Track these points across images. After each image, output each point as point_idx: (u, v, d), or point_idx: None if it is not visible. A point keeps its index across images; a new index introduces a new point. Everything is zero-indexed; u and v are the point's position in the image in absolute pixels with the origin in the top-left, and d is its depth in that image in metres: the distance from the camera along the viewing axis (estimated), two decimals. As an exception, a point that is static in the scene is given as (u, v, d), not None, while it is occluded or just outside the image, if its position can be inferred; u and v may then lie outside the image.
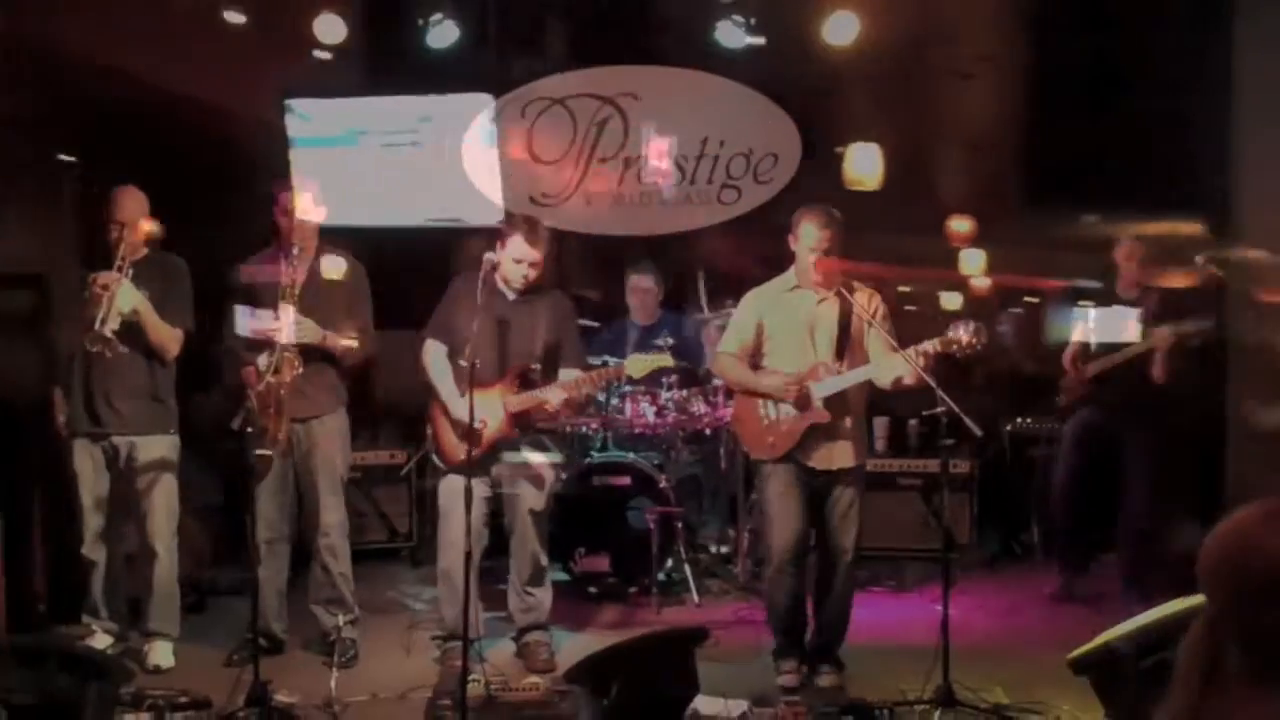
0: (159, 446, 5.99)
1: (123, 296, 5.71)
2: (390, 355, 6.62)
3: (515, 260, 5.86)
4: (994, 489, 7.89)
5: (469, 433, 5.29)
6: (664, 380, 7.19)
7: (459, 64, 7.88)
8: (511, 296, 5.93)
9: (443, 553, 5.94)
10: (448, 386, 5.90)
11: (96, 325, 5.60)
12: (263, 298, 5.94)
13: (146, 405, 5.96)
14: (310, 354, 5.89)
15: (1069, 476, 6.96)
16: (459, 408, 5.72)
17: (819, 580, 5.76)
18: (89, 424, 5.92)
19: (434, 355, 5.99)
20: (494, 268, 5.78)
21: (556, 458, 6.12)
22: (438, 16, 7.53)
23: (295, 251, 5.91)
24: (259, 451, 5.61)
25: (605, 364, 6.36)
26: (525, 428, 5.93)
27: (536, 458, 5.98)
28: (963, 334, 5.25)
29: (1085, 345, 6.90)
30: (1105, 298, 6.87)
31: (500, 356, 5.85)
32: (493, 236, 6.04)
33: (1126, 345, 6.67)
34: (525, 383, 5.88)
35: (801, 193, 7.17)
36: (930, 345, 5.32)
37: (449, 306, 6.00)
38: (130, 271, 5.77)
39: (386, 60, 7.93)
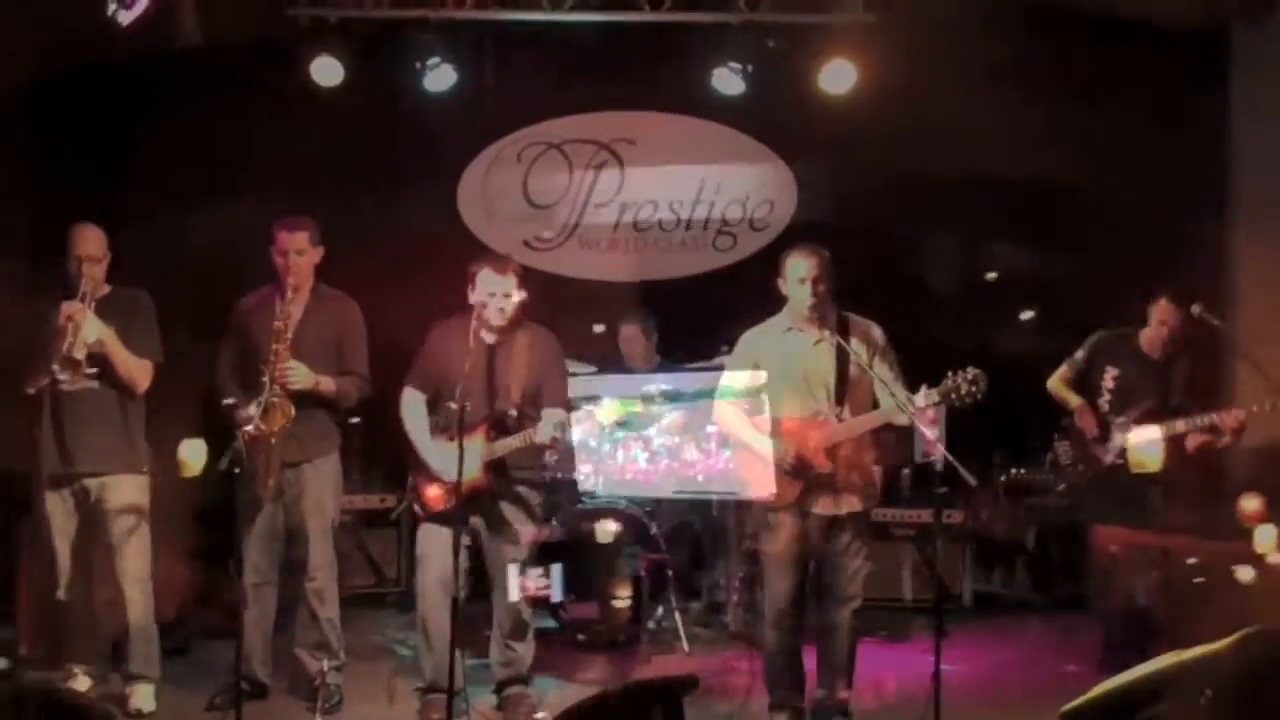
0: (129, 486, 5.90)
1: (88, 326, 5.67)
2: (380, 400, 6.54)
3: (490, 294, 5.72)
4: (989, 540, 7.84)
5: (457, 480, 5.24)
6: (657, 427, 7.15)
7: (456, 108, 7.87)
8: (491, 340, 5.79)
9: (420, 600, 5.86)
10: (423, 437, 5.81)
11: (65, 350, 5.56)
12: (257, 337, 5.91)
13: (116, 445, 5.87)
14: (303, 398, 5.84)
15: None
16: (434, 458, 5.70)
17: (822, 629, 5.64)
18: (58, 465, 5.81)
19: (411, 405, 5.87)
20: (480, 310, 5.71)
21: (535, 507, 5.94)
22: (435, 60, 7.51)
23: (290, 292, 5.89)
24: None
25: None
26: (502, 476, 5.78)
27: (516, 509, 5.85)
28: (961, 382, 5.20)
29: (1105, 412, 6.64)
30: (1126, 350, 6.66)
31: (476, 404, 5.65)
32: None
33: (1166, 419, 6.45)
34: (501, 429, 5.73)
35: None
36: (929, 398, 5.25)
37: (428, 355, 5.90)
38: (93, 304, 5.72)
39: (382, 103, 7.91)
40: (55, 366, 5.56)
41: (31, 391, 5.64)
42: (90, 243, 5.86)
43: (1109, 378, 6.61)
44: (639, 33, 7.73)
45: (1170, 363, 6.59)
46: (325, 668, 5.90)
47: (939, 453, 5.12)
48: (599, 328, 8.32)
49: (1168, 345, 6.57)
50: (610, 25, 7.58)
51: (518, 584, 5.74)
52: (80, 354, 5.62)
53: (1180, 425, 6.37)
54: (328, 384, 5.92)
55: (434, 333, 5.96)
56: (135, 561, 5.92)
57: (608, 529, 6.92)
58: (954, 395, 5.21)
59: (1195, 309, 6.36)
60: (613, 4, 7.43)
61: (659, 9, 7.44)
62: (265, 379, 5.73)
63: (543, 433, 5.64)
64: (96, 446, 5.83)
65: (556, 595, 5.66)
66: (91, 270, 5.81)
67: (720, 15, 7.41)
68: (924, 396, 5.26)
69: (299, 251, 5.96)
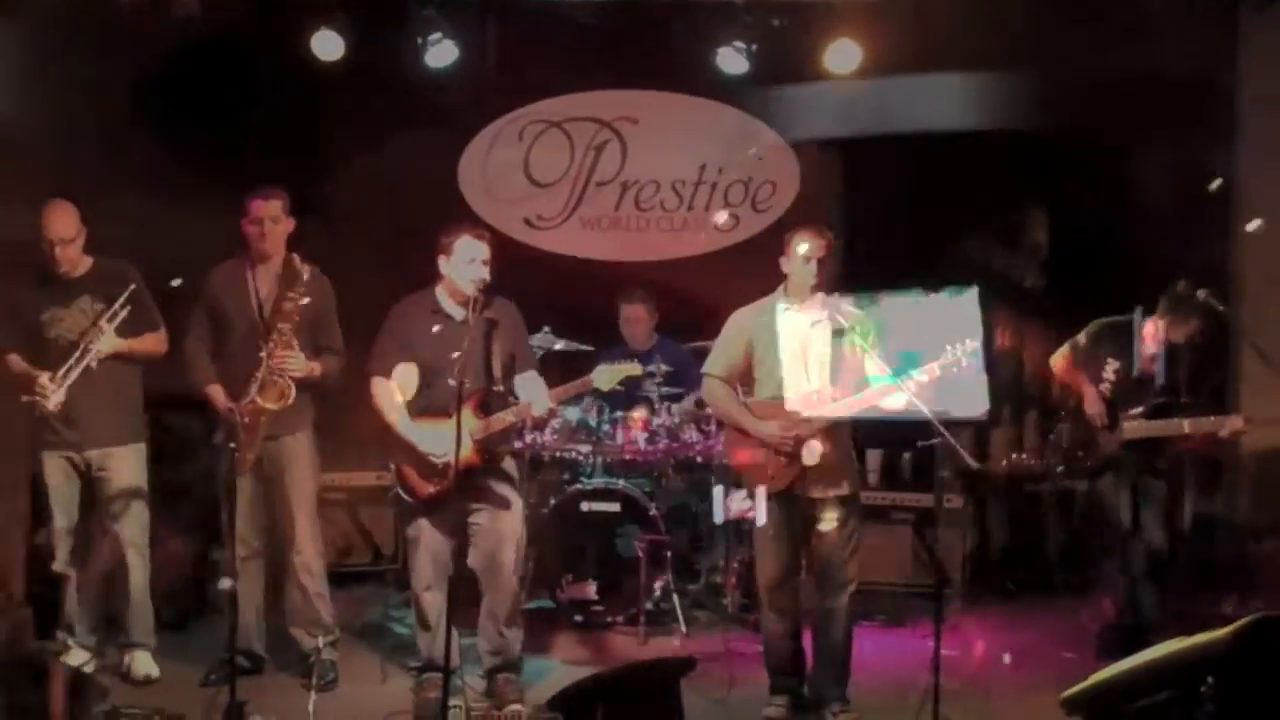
0: (129, 456, 5.95)
1: (104, 342, 5.75)
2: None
3: (469, 261, 5.64)
4: (989, 524, 7.81)
5: (455, 461, 5.20)
6: (656, 406, 7.12)
7: (457, 84, 7.82)
8: (459, 317, 5.69)
9: (413, 580, 5.82)
10: (405, 422, 5.71)
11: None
12: (228, 310, 5.91)
13: (116, 416, 5.90)
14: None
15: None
16: (423, 440, 5.61)
17: (820, 614, 5.60)
18: (60, 438, 5.84)
19: (384, 392, 5.76)
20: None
21: (518, 480, 5.89)
22: (436, 36, 7.47)
23: (261, 262, 5.91)
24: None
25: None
26: (492, 455, 5.72)
27: (505, 484, 5.77)
28: (961, 356, 5.16)
29: (1111, 405, 6.54)
30: (1130, 341, 6.54)
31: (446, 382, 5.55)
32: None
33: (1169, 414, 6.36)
34: (486, 407, 5.66)
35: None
36: (929, 372, 5.22)
37: (393, 337, 5.80)
38: (109, 316, 5.76)
39: (383, 79, 7.85)
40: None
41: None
42: (62, 223, 5.80)
43: (1109, 369, 6.55)
44: (643, 10, 7.73)
45: (1173, 355, 6.49)
46: (320, 644, 5.86)
47: (937, 431, 5.09)
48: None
49: (1170, 340, 6.47)
50: (614, 2, 7.55)
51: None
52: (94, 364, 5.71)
53: (1186, 426, 6.31)
54: (316, 369, 5.89)
55: (394, 314, 5.86)
56: (135, 529, 5.98)
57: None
58: (956, 369, 5.18)
59: (1201, 294, 6.30)
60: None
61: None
62: (264, 355, 5.69)
63: (539, 407, 5.62)
64: (97, 417, 5.84)
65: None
66: (66, 252, 5.80)
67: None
68: (924, 371, 5.22)
69: (273, 219, 5.91)
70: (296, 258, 5.88)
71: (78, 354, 5.70)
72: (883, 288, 5.39)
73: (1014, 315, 8.23)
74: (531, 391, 5.71)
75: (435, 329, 5.62)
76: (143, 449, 6.02)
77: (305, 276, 5.75)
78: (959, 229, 8.10)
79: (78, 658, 5.88)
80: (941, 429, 5.08)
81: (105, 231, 5.98)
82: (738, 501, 5.75)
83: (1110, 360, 6.54)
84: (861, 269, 6.94)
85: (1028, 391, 8.10)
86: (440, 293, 5.76)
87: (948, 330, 5.13)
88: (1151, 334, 6.45)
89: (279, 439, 5.90)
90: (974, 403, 5.49)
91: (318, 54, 7.47)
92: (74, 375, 5.68)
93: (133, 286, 5.82)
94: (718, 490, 5.63)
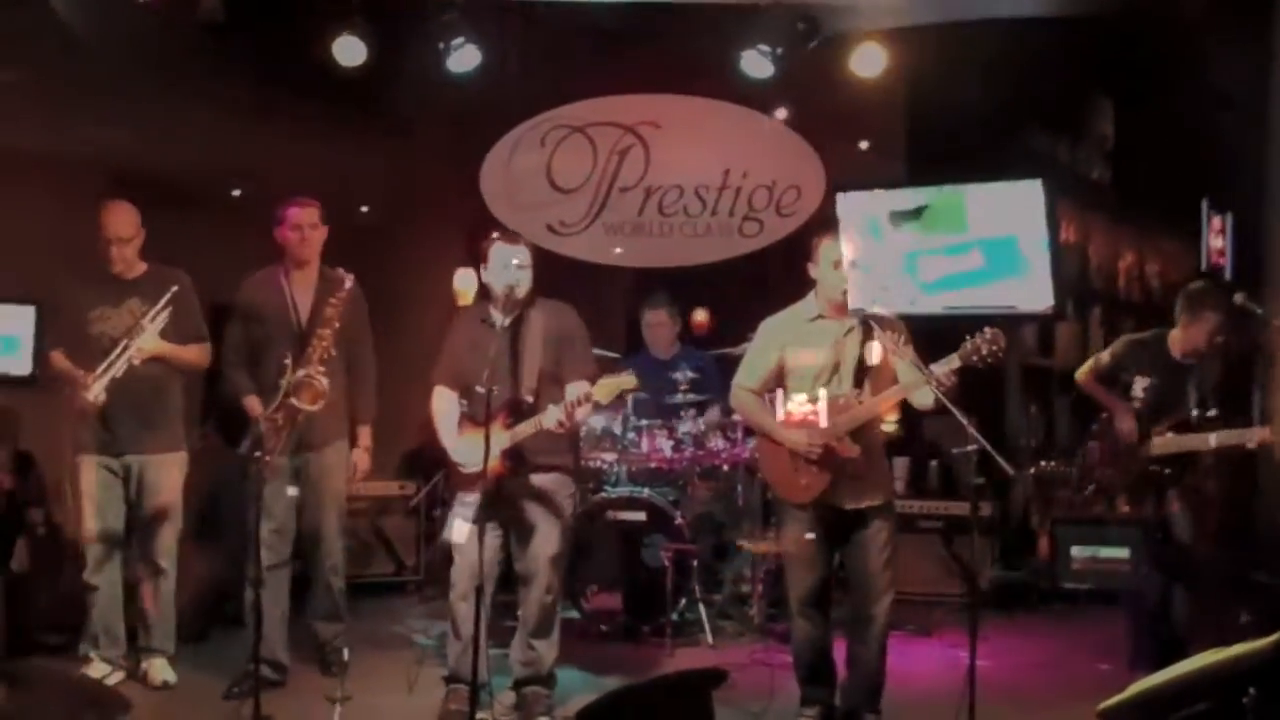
0: (169, 465, 5.98)
1: (145, 340, 5.74)
2: (398, 387, 6.46)
3: (504, 266, 5.57)
4: (1017, 533, 7.72)
5: (485, 469, 5.13)
6: (683, 413, 7.06)
7: (479, 89, 7.76)
8: (501, 323, 5.61)
9: (451, 590, 5.74)
10: (449, 433, 5.68)
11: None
12: (265, 319, 5.96)
13: (158, 423, 5.92)
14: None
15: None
16: (458, 452, 5.59)
17: (854, 624, 5.49)
18: (100, 443, 5.86)
19: (441, 400, 5.75)
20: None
21: (561, 499, 5.72)
22: (459, 40, 7.40)
23: (299, 268, 5.98)
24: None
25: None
26: (522, 465, 5.59)
27: (536, 502, 5.64)
28: (980, 343, 5.05)
29: (1144, 420, 6.37)
30: (1157, 357, 6.40)
31: (497, 392, 5.47)
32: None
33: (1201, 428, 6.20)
34: (519, 415, 5.53)
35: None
36: (949, 363, 5.11)
37: (449, 347, 5.78)
38: (152, 316, 5.76)
39: (405, 85, 7.80)
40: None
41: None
42: (122, 223, 5.89)
43: (1139, 387, 6.42)
44: (666, 14, 7.62)
45: (1203, 367, 6.36)
46: (336, 631, 6.09)
47: (972, 436, 4.97)
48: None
49: (1201, 351, 6.32)
50: (637, 6, 7.47)
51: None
52: (138, 360, 5.71)
53: (1212, 441, 6.20)
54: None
55: (453, 323, 5.86)
56: (169, 539, 6.01)
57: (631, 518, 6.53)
58: (975, 357, 5.05)
59: (1238, 298, 6.18)
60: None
61: (688, -9, 7.32)
62: (288, 361, 5.68)
63: (549, 417, 5.41)
64: (139, 424, 5.86)
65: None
66: (123, 252, 5.87)
67: (750, -3, 7.29)
68: (944, 363, 5.12)
69: (311, 226, 6.01)
70: (326, 267, 5.99)
71: (119, 349, 5.69)
72: (947, 180, 5.28)
73: (1080, 208, 8.05)
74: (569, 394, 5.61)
75: (478, 337, 5.54)
76: (184, 458, 6.05)
77: (347, 285, 5.82)
78: (1025, 120, 7.95)
79: (99, 670, 5.87)
80: (978, 435, 4.96)
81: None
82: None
83: (1139, 378, 6.43)
84: (926, 162, 6.83)
85: (1093, 285, 7.95)
86: (490, 303, 5.71)
87: (1012, 222, 4.98)
88: (1178, 341, 6.35)
89: (320, 450, 5.98)
90: (1040, 297, 5.37)
91: (340, 60, 7.41)
92: (116, 370, 5.66)
93: (175, 288, 5.82)
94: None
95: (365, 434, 6.15)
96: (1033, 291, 5.33)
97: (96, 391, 5.63)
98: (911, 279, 6.46)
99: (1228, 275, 6.17)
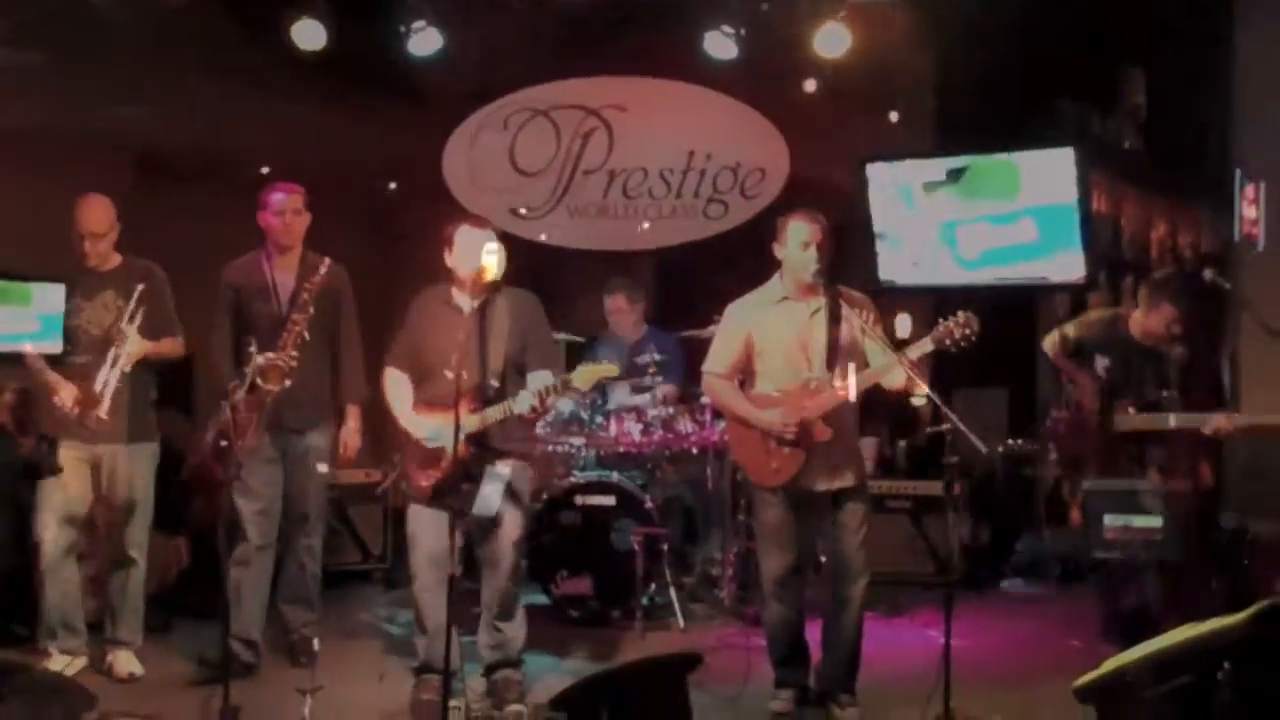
0: (142, 455, 5.93)
1: (131, 343, 5.73)
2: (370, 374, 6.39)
3: (468, 252, 5.50)
4: (986, 511, 7.72)
5: (454, 454, 5.08)
6: (651, 396, 7.02)
7: (440, 72, 7.70)
8: (467, 308, 5.55)
9: (412, 580, 5.69)
10: (406, 412, 5.61)
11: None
12: (250, 304, 5.95)
13: (131, 414, 5.85)
14: (313, 367, 5.89)
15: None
16: (417, 426, 5.53)
17: (832, 607, 5.47)
18: (73, 432, 5.79)
19: (393, 382, 5.69)
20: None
21: (522, 483, 5.68)
22: (420, 23, 7.33)
23: (281, 254, 5.97)
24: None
25: None
26: (484, 450, 5.52)
27: (498, 485, 5.56)
28: (953, 326, 5.05)
29: (1105, 395, 6.43)
30: (1114, 338, 6.44)
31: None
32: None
33: (1162, 408, 6.26)
34: (483, 401, 5.48)
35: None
36: (922, 346, 5.11)
37: (406, 329, 5.73)
38: (129, 318, 5.73)
39: (366, 68, 7.73)
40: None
41: None
42: (96, 217, 5.84)
43: (1100, 366, 6.45)
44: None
45: (1164, 352, 6.39)
46: (306, 620, 6.09)
47: (945, 415, 4.97)
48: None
49: (1160, 337, 6.35)
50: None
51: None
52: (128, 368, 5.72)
53: (1172, 421, 6.23)
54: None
55: (411, 305, 5.77)
56: (138, 529, 5.96)
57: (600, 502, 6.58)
58: (948, 340, 5.06)
59: (1207, 274, 6.20)
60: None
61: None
62: (281, 339, 5.71)
63: (521, 403, 5.36)
64: (114, 417, 5.77)
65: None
66: (97, 247, 5.84)
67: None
68: (917, 346, 5.12)
69: (295, 211, 6.00)
70: (309, 251, 6.02)
71: (110, 363, 5.69)
72: (978, 149, 5.18)
73: (1111, 178, 8.03)
74: (528, 388, 5.57)
75: (441, 320, 5.50)
76: (155, 449, 6.00)
77: (322, 270, 5.85)
78: (1057, 89, 7.92)
79: (59, 663, 5.81)
80: (949, 413, 4.95)
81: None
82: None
83: (1099, 357, 6.46)
84: (956, 131, 6.78)
85: (1124, 256, 7.93)
86: (453, 286, 5.64)
87: (1043, 190, 4.88)
88: (1138, 325, 6.37)
89: (304, 432, 6.00)
90: (1072, 268, 5.31)
91: (299, 44, 7.33)
92: (111, 383, 5.67)
93: (141, 287, 5.78)
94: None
95: (354, 414, 6.15)
96: (1065, 264, 5.29)
97: (105, 409, 5.64)
98: (950, 250, 6.47)
99: (1261, 244, 6.16)
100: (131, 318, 5.75)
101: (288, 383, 5.70)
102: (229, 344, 5.98)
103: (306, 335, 5.80)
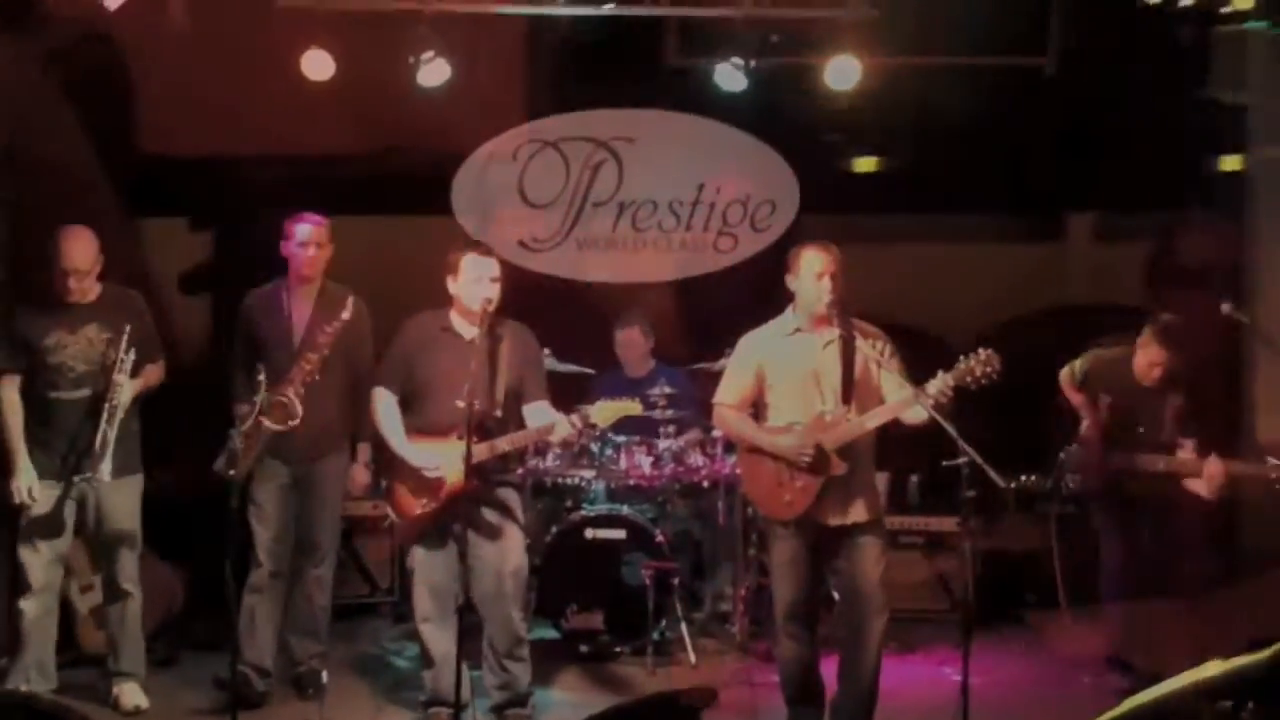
0: (128, 487, 5.85)
1: (125, 392, 5.70)
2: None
3: (475, 280, 5.53)
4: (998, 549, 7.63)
5: (466, 479, 5.04)
6: (661, 430, 6.99)
7: (450, 103, 7.67)
8: (469, 336, 5.56)
9: (415, 613, 5.67)
10: (399, 437, 5.59)
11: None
12: (266, 334, 5.94)
13: (116, 449, 5.72)
14: (327, 396, 5.85)
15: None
16: (417, 456, 5.50)
17: (850, 639, 5.40)
18: (56, 469, 5.72)
19: (383, 404, 5.67)
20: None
21: (518, 513, 5.72)
22: (429, 54, 7.29)
23: (304, 285, 5.96)
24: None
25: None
26: (487, 480, 5.54)
27: (501, 515, 5.61)
28: (975, 364, 5.01)
29: (1107, 433, 6.41)
30: (1117, 377, 6.39)
31: (454, 404, 5.41)
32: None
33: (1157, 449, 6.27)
34: (486, 432, 5.47)
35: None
36: (942, 382, 5.06)
37: (399, 351, 5.71)
38: (120, 367, 5.68)
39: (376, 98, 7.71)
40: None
41: None
42: (81, 253, 5.70)
43: (1104, 404, 6.43)
44: (639, 27, 7.56)
45: (1164, 391, 6.33)
46: (315, 651, 6.06)
47: (962, 449, 4.91)
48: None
49: (1162, 378, 6.30)
50: (610, 19, 7.38)
51: None
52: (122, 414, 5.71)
53: (1162, 464, 6.20)
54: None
55: (405, 328, 5.76)
56: (131, 561, 5.89)
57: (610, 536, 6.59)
58: (969, 379, 5.02)
59: (1225, 307, 6.18)
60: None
61: (660, 3, 7.25)
62: (262, 379, 5.54)
63: (561, 429, 5.51)
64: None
65: None
66: (82, 284, 5.72)
67: (723, 10, 7.22)
68: (939, 381, 5.07)
69: (319, 245, 5.96)
70: (330, 283, 6.02)
71: (105, 417, 5.63)
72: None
73: None
74: (543, 420, 5.56)
75: (441, 346, 5.48)
76: (140, 480, 5.91)
77: (345, 315, 5.77)
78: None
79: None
80: (967, 447, 4.90)
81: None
82: None
83: (1103, 395, 6.43)
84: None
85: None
86: (453, 313, 5.62)
87: None
88: (1141, 365, 6.33)
89: (318, 461, 5.97)
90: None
91: (307, 74, 7.30)
92: (111, 441, 5.62)
93: (129, 328, 5.73)
94: None
95: (364, 450, 6.12)
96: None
97: (108, 469, 5.60)
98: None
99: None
100: (122, 366, 5.67)
101: (292, 423, 5.66)
102: (242, 369, 5.89)
103: (318, 376, 5.74)
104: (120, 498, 5.80)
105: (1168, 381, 6.27)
